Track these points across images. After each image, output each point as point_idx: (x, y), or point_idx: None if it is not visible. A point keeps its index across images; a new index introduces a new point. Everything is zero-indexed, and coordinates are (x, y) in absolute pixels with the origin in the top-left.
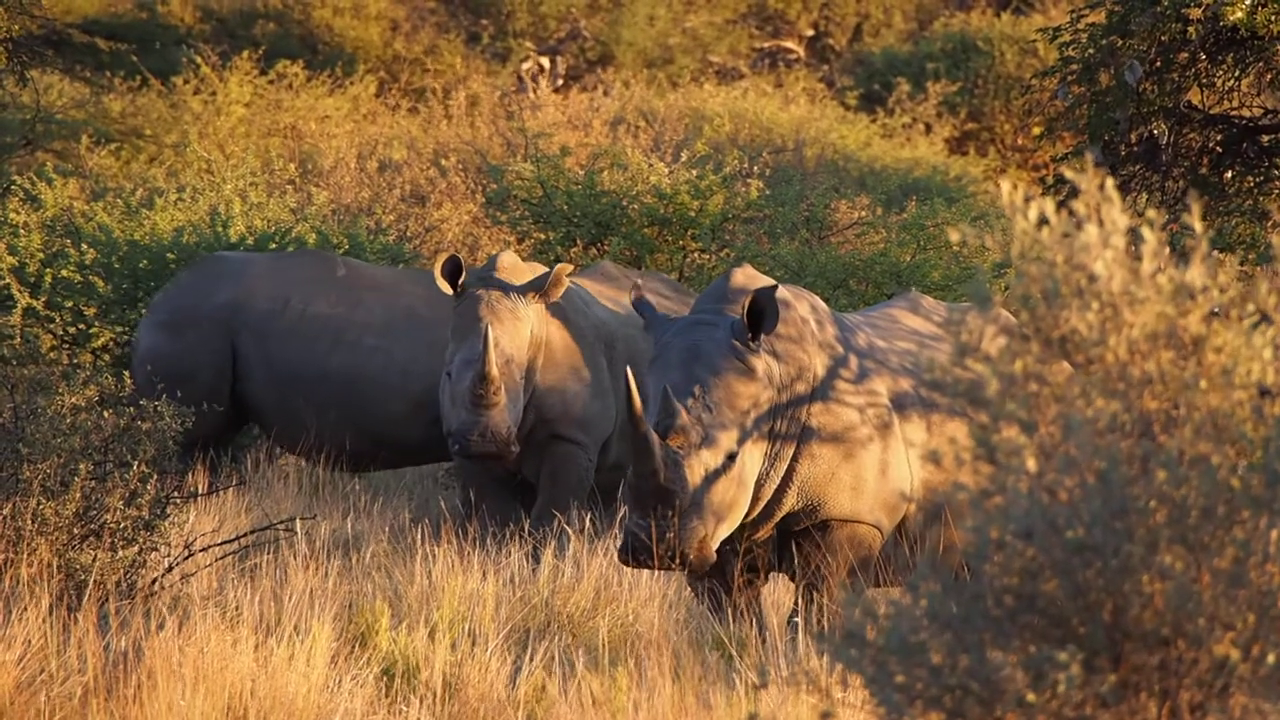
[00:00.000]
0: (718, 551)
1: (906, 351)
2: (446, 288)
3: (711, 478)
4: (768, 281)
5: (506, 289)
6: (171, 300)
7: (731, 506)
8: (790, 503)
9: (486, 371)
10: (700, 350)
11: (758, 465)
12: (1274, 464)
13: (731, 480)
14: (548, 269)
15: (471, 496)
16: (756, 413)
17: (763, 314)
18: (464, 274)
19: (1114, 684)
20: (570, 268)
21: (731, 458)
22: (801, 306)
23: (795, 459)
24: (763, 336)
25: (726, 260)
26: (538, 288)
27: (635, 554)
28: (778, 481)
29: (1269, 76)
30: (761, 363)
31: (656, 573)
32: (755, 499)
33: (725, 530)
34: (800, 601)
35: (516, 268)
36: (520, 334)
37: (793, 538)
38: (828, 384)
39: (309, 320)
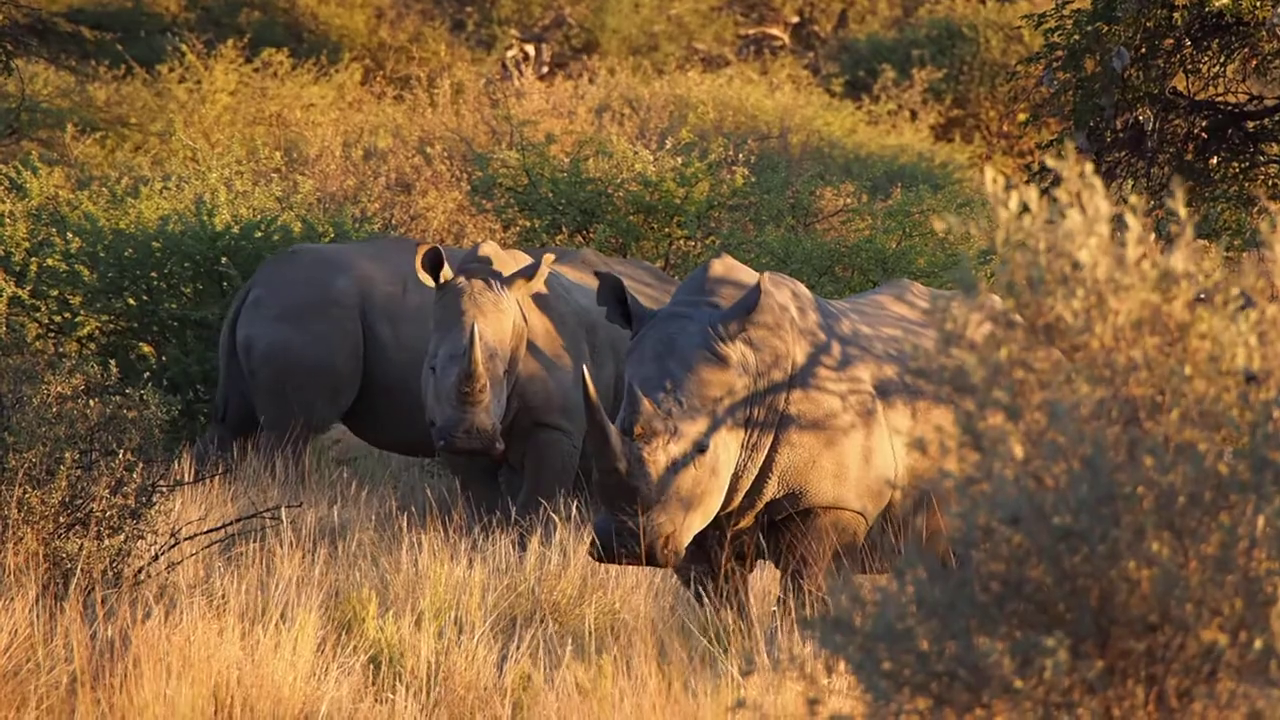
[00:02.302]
0: (704, 540)
1: (892, 338)
2: (427, 279)
3: (681, 470)
4: (747, 271)
5: (488, 279)
6: (283, 295)
7: (704, 497)
8: (771, 491)
9: (472, 370)
10: (674, 343)
11: (734, 455)
12: (1260, 450)
13: (704, 471)
14: (530, 258)
15: (456, 485)
16: (731, 401)
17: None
18: (445, 265)
19: (1101, 670)
20: (554, 257)
21: (702, 449)
22: (782, 294)
23: (774, 447)
24: (737, 324)
25: (712, 248)
26: (526, 276)
27: (604, 550)
28: (756, 471)
29: (1254, 62)
30: (735, 351)
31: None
32: (734, 488)
33: (699, 522)
34: (785, 589)
35: (498, 257)
36: (503, 325)
37: (777, 525)
38: (808, 371)
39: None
